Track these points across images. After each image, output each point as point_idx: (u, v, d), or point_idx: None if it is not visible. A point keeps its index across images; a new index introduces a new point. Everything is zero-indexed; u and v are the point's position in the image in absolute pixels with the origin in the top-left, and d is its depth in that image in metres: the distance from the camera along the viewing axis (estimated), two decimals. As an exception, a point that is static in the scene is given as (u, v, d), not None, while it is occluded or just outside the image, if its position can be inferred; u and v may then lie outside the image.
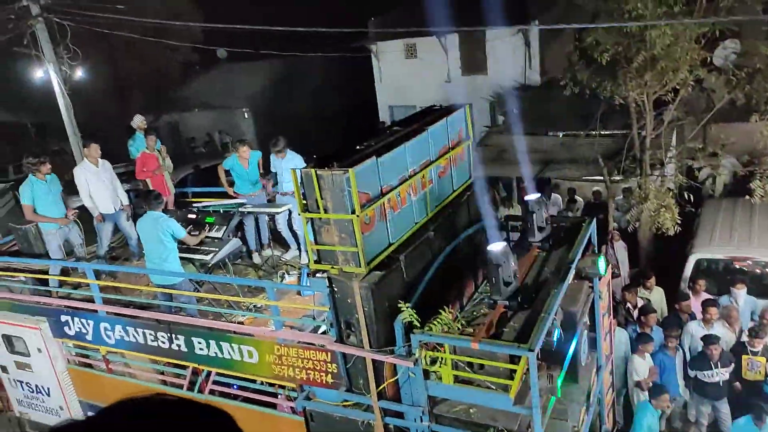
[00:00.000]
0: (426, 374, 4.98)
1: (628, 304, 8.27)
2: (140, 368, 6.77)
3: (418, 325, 4.91)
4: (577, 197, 12.46)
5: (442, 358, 4.86)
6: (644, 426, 6.52)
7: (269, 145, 7.84)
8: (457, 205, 6.47)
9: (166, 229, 6.53)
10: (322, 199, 4.97)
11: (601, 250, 7.23)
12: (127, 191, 8.71)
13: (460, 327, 5.00)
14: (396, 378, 5.14)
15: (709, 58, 9.05)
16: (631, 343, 7.59)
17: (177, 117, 26.52)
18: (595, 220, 6.68)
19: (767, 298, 8.03)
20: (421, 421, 5.09)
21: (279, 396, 5.96)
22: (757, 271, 8.45)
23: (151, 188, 8.42)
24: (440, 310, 5.09)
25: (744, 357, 7.16)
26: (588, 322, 6.51)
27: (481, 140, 13.37)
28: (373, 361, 5.08)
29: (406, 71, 19.00)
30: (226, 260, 7.31)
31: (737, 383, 7.28)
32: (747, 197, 9.31)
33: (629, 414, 7.41)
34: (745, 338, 7.36)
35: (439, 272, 5.65)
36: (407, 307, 4.93)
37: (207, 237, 7.39)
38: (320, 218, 5.05)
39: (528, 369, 4.55)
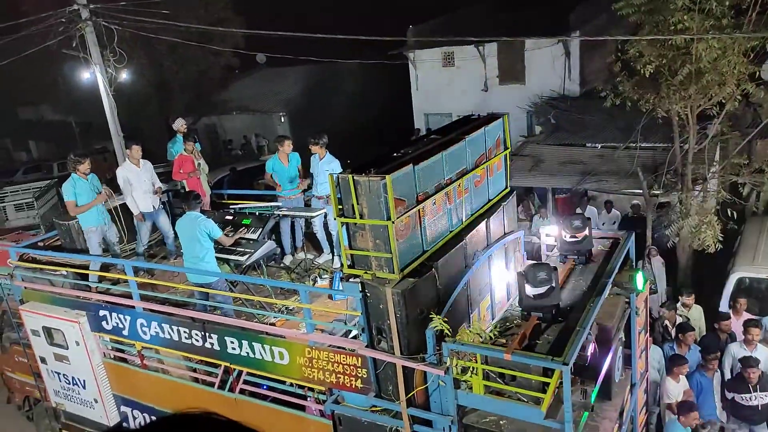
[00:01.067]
0: (456, 383, 4.94)
1: (666, 322, 8.06)
2: (173, 365, 6.90)
3: (449, 333, 4.88)
4: (614, 210, 12.23)
5: (473, 368, 4.82)
6: None
7: (308, 145, 7.92)
8: (492, 214, 6.42)
9: (203, 229, 6.65)
10: (358, 204, 5.00)
11: (639, 265, 7.07)
12: (165, 191, 8.91)
13: (493, 337, 4.94)
14: (426, 386, 5.12)
15: (757, 73, 8.79)
16: (666, 362, 7.39)
17: (215, 120, 27.07)
18: (633, 234, 6.55)
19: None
20: (450, 430, 5.04)
21: (308, 399, 5.99)
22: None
23: (188, 189, 8.61)
24: (472, 320, 5.06)
25: (787, 381, 6.89)
26: (623, 338, 6.36)
27: (518, 150, 13.26)
28: (404, 367, 5.07)
29: (443, 79, 18.99)
30: (261, 262, 7.40)
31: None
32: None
33: (663, 435, 7.21)
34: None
35: (473, 281, 5.61)
36: (438, 318, 4.90)
37: (242, 238, 7.50)
38: (355, 223, 5.08)
39: (561, 383, 4.47)
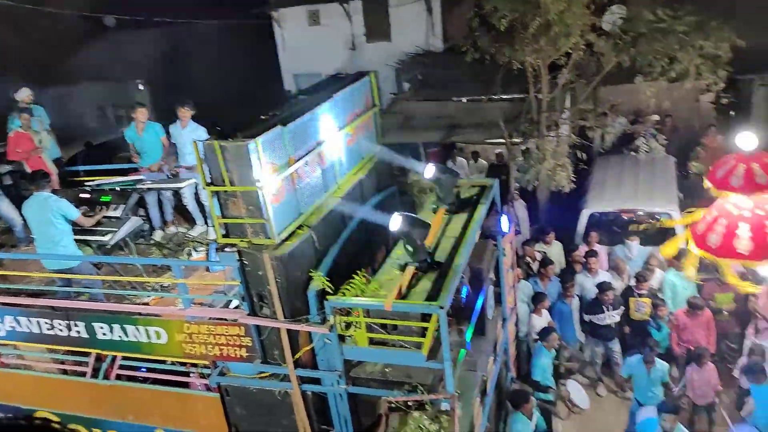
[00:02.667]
0: (341, 339, 5.05)
1: (528, 258, 8.76)
2: (36, 359, 6.36)
3: (331, 291, 4.94)
4: (481, 160, 12.90)
5: (356, 322, 4.94)
6: (540, 366, 7.02)
7: (174, 112, 7.46)
8: (366, 172, 6.50)
9: (56, 210, 6.09)
10: (227, 171, 4.82)
11: (504, 209, 7.56)
12: (8, 173, 7.99)
13: (374, 291, 5.07)
14: (312, 346, 5.17)
15: (598, 24, 9.54)
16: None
17: (63, 91, 24.49)
18: (497, 181, 6.95)
19: (652, 245, 8.78)
20: (338, 384, 5.17)
21: (191, 375, 5.82)
22: (643, 221, 9.19)
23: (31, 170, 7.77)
24: (353, 276, 5.15)
25: (631, 299, 7.82)
26: (494, 278, 6.84)
27: (388, 107, 13.43)
28: (288, 331, 5.08)
29: (310, 39, 18.58)
30: (128, 240, 6.95)
31: (626, 326, 7.97)
32: (633, 153, 10.04)
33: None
34: (633, 282, 8.04)
35: (351, 240, 5.69)
36: (319, 275, 4.94)
37: (104, 217, 6.97)
38: (226, 191, 4.92)
39: (439, 326, 4.72)
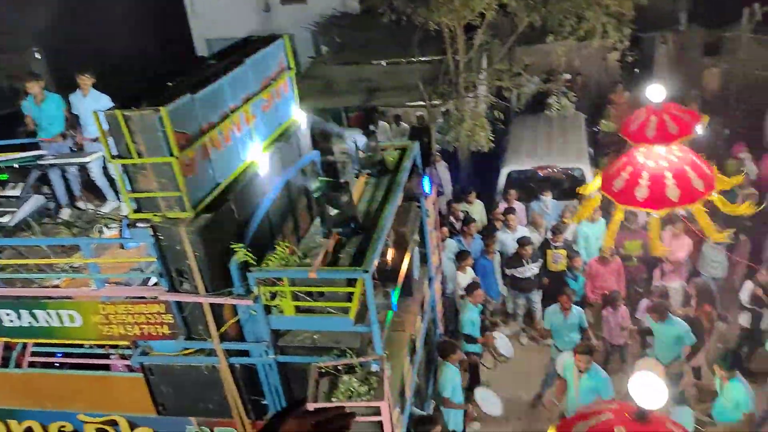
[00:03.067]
0: (267, 310, 4.99)
1: (452, 218, 8.97)
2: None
3: (254, 263, 4.85)
4: (402, 123, 12.94)
5: (281, 292, 4.89)
6: (467, 320, 7.28)
7: (75, 81, 6.94)
8: (285, 139, 6.34)
9: (-56, 193, 5.58)
10: (134, 142, 4.56)
11: (426, 171, 7.66)
12: None
13: (298, 260, 5.03)
14: (237, 318, 5.08)
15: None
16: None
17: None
18: (418, 143, 6.99)
19: (567, 199, 9.20)
20: (267, 355, 5.14)
21: (112, 357, 5.60)
22: (558, 177, 9.60)
23: None
24: (276, 245, 5.07)
25: (548, 252, 8.20)
26: (418, 239, 6.95)
27: (306, 72, 13.14)
28: (212, 304, 4.95)
29: (222, 2, 17.74)
30: (29, 220, 6.48)
31: (545, 278, 8.36)
32: (546, 112, 10.38)
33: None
34: (549, 235, 8.42)
35: (273, 209, 5.58)
36: (240, 247, 4.82)
37: (1, 197, 6.46)
38: (134, 164, 4.66)
39: (365, 290, 4.76)
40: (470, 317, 7.32)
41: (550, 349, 7.56)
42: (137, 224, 4.78)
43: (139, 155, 4.61)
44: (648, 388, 2.55)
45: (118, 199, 7.40)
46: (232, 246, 4.88)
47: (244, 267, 4.83)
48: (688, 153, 5.59)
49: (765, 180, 9.28)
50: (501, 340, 7.29)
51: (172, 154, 4.53)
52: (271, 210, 5.53)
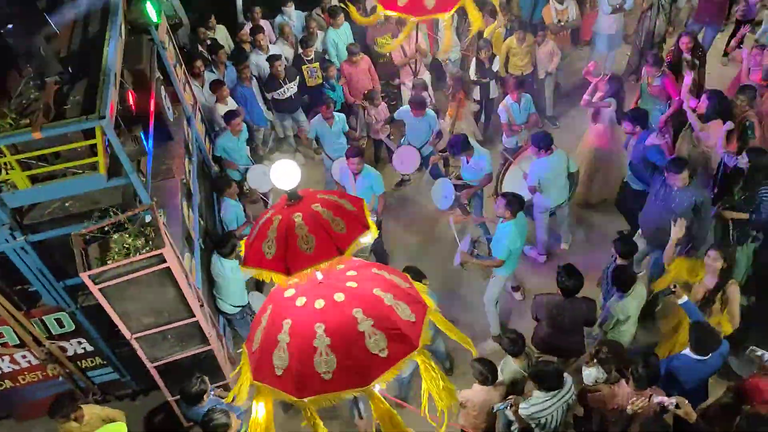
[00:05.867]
0: (-5, 189, 4.25)
1: (200, 48, 8.23)
2: None
3: (-47, 137, 3.96)
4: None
5: (6, 164, 4.15)
6: (220, 146, 7.14)
7: None
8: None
9: None
10: None
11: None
12: None
13: (12, 122, 4.21)
14: (-41, 207, 4.26)
15: None
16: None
17: None
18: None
19: (309, 9, 8.93)
20: (15, 239, 4.50)
21: None
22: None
23: None
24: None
25: (303, 68, 8.08)
26: (162, 77, 6.29)
27: None
28: None
29: None
30: None
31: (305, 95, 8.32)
32: None
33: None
34: (300, 50, 8.24)
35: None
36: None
37: None
38: None
39: (107, 139, 4.25)
40: (223, 144, 7.16)
41: (323, 158, 7.82)
42: None
43: None
44: (283, 172, 2.86)
45: None
46: None
47: (-57, 145, 3.94)
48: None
49: None
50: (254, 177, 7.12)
51: None
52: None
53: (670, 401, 4.10)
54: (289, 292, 2.94)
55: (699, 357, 4.43)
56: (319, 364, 2.67)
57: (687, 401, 4.12)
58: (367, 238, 2.88)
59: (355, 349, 2.69)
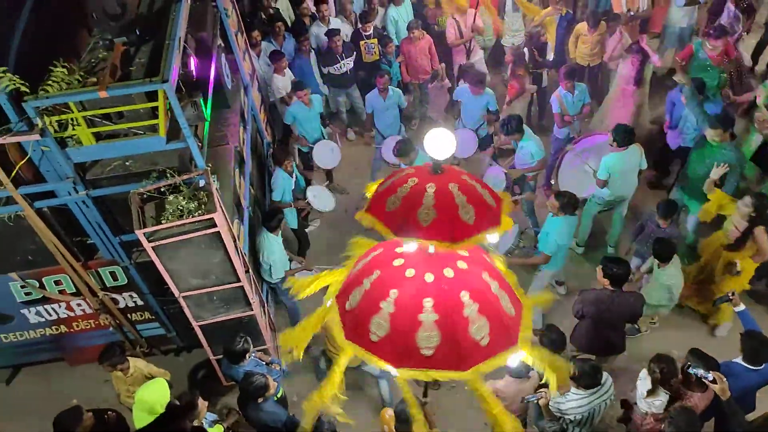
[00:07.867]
0: (63, 143, 4.44)
1: (261, 15, 8.29)
2: None
3: (28, 90, 4.13)
4: None
5: (73, 120, 4.32)
6: (290, 113, 7.18)
7: None
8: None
9: None
10: None
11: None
12: None
13: (80, 79, 4.36)
14: (28, 157, 4.46)
15: None
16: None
17: None
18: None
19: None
20: (77, 192, 4.70)
21: None
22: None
23: None
24: (51, 68, 4.32)
25: (361, 43, 8.06)
26: (223, 45, 6.40)
27: None
28: (-10, 147, 4.27)
29: None
30: None
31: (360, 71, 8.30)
32: None
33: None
34: (359, 25, 8.21)
35: (34, 23, 4.65)
36: (5, 72, 4.04)
37: None
38: None
39: (169, 102, 4.36)
40: (294, 112, 7.18)
41: (375, 137, 7.82)
42: None
43: None
44: (439, 141, 2.63)
45: None
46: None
47: (17, 97, 4.11)
48: None
49: None
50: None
51: None
52: (32, 25, 4.61)
53: (706, 374, 4.06)
54: (398, 261, 2.82)
55: (751, 366, 4.31)
56: (421, 339, 2.60)
57: (724, 377, 4.05)
58: (493, 237, 2.69)
59: (459, 332, 2.60)
